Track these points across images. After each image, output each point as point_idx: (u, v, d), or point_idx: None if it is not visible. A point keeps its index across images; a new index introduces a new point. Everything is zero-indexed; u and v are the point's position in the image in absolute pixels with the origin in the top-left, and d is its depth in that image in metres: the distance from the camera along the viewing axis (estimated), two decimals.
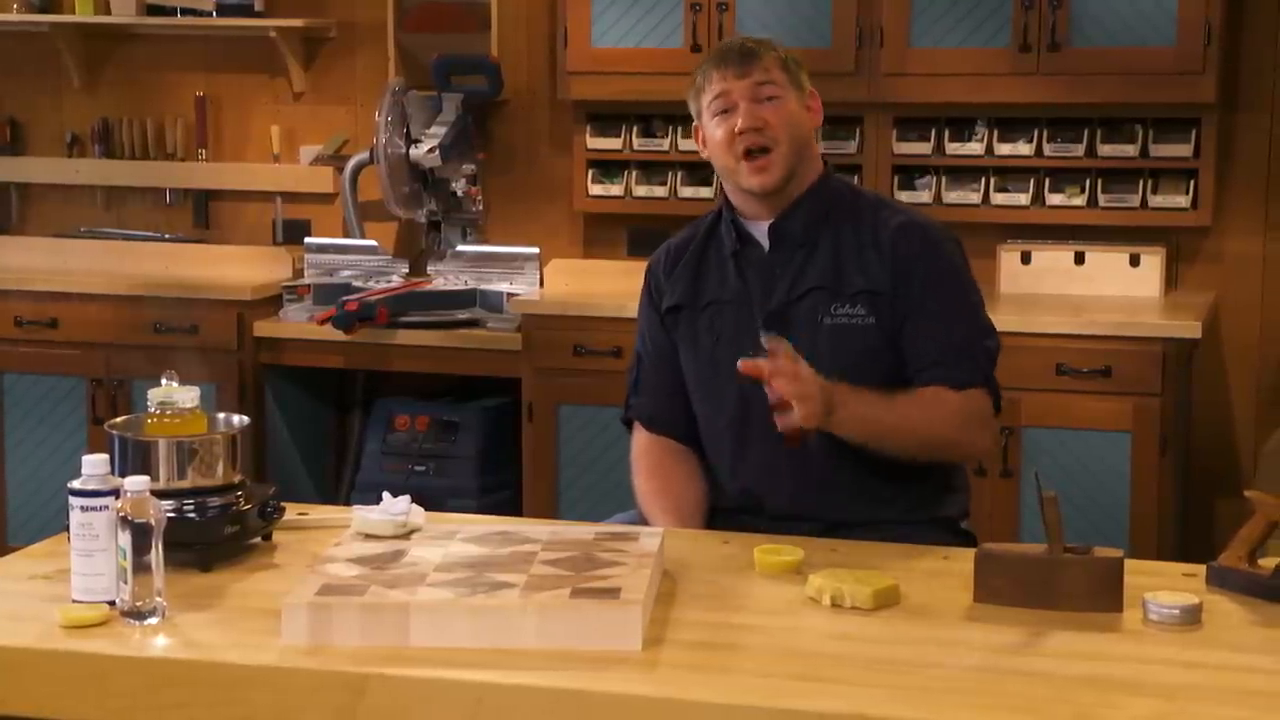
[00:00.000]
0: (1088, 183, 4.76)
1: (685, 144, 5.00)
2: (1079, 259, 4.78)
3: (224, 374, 4.94)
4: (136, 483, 2.28)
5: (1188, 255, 4.84)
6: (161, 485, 2.48)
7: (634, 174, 5.09)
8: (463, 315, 4.97)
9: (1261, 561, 2.43)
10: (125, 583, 2.26)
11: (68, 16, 5.55)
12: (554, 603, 2.19)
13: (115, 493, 2.31)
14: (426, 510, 2.67)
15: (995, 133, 4.81)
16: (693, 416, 3.00)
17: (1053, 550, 2.36)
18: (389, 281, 5.16)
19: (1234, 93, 4.77)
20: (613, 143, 5.08)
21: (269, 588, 2.42)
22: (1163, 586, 2.35)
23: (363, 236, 5.30)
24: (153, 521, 2.26)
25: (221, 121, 5.60)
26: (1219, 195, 4.74)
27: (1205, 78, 4.52)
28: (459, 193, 5.23)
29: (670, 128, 5.03)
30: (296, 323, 5.03)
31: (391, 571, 2.34)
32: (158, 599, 2.27)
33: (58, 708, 2.18)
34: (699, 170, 5.04)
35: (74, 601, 2.32)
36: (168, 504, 2.40)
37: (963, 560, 2.47)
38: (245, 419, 2.66)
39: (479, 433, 4.98)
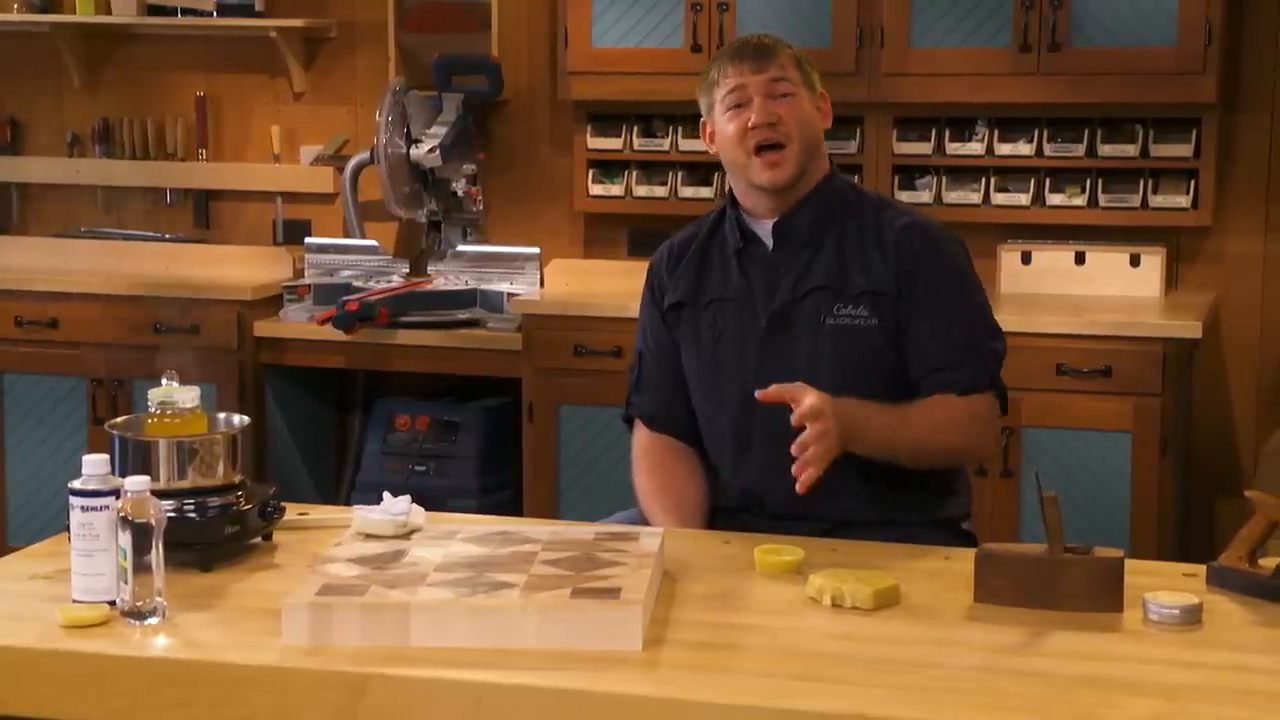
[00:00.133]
0: (1088, 183, 4.76)
1: (686, 144, 5.00)
2: (1079, 259, 4.78)
3: (224, 374, 4.94)
4: (137, 483, 2.28)
5: (1188, 255, 4.84)
6: (162, 485, 2.48)
7: (634, 174, 5.09)
8: (463, 315, 4.97)
9: (1262, 561, 2.43)
10: (126, 583, 2.26)
11: (68, 16, 5.55)
12: (554, 603, 2.19)
13: (116, 493, 2.31)
14: (427, 510, 2.67)
15: (996, 133, 4.81)
16: (694, 415, 3.00)
17: (1053, 550, 2.36)
18: (389, 281, 5.16)
19: (1234, 93, 4.77)
20: (613, 143, 5.08)
21: (269, 588, 2.42)
22: (1163, 586, 2.35)
23: (363, 236, 5.30)
24: (153, 521, 2.26)
25: (222, 121, 5.60)
26: (1219, 195, 4.74)
27: (1206, 78, 4.52)
28: (459, 193, 5.23)
29: (670, 128, 5.03)
30: (297, 323, 5.03)
31: (392, 571, 2.34)
32: (158, 599, 2.27)
33: (58, 708, 2.18)
34: (699, 170, 5.04)
35: (74, 601, 2.32)
36: (168, 504, 2.40)
37: (963, 560, 2.47)
38: (245, 419, 2.66)
39: (479, 433, 4.98)
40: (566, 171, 5.19)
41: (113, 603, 2.29)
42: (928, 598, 2.39)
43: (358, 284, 5.11)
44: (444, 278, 5.15)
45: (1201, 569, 2.47)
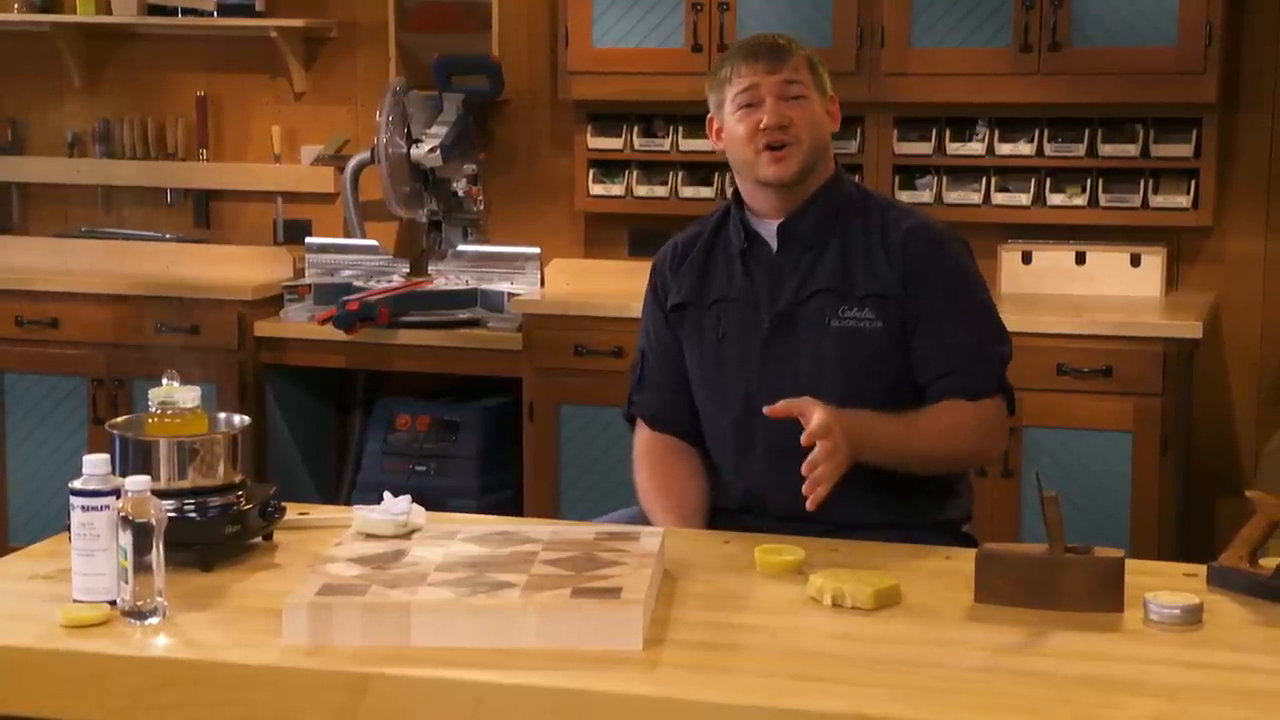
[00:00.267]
0: (1089, 183, 4.76)
1: (686, 144, 5.00)
2: (1080, 259, 4.78)
3: (225, 374, 4.94)
4: (137, 482, 2.28)
5: (1189, 255, 4.84)
6: (162, 485, 2.48)
7: (635, 174, 5.09)
8: (464, 315, 4.97)
9: (1262, 561, 2.43)
10: (126, 582, 2.26)
11: (68, 16, 5.55)
12: (555, 602, 2.19)
13: (116, 492, 2.31)
14: (427, 510, 2.67)
15: (996, 133, 4.81)
16: (696, 414, 3.00)
17: (1054, 550, 2.36)
18: (390, 281, 5.16)
19: (1235, 93, 4.77)
20: (614, 142, 5.08)
21: (270, 587, 2.42)
22: (1163, 586, 2.35)
23: (364, 236, 5.30)
24: (154, 521, 2.26)
25: (222, 121, 5.60)
26: (1220, 195, 4.73)
27: (1206, 78, 4.52)
28: (460, 192, 5.23)
29: (671, 128, 5.03)
30: (297, 322, 5.03)
31: (392, 571, 2.34)
32: (158, 599, 2.27)
33: (58, 708, 2.18)
34: (700, 170, 5.04)
35: (75, 601, 2.32)
36: (168, 504, 2.40)
37: (963, 560, 2.47)
38: (246, 419, 2.66)
39: (480, 432, 4.98)
40: (567, 171, 5.19)
41: (113, 602, 2.29)
42: (928, 598, 2.39)
43: (358, 284, 5.11)
44: (444, 278, 5.15)
45: (1202, 569, 2.47)
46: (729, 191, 4.88)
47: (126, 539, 2.25)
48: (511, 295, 4.91)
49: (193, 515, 2.52)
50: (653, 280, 3.07)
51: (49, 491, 5.04)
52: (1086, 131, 4.74)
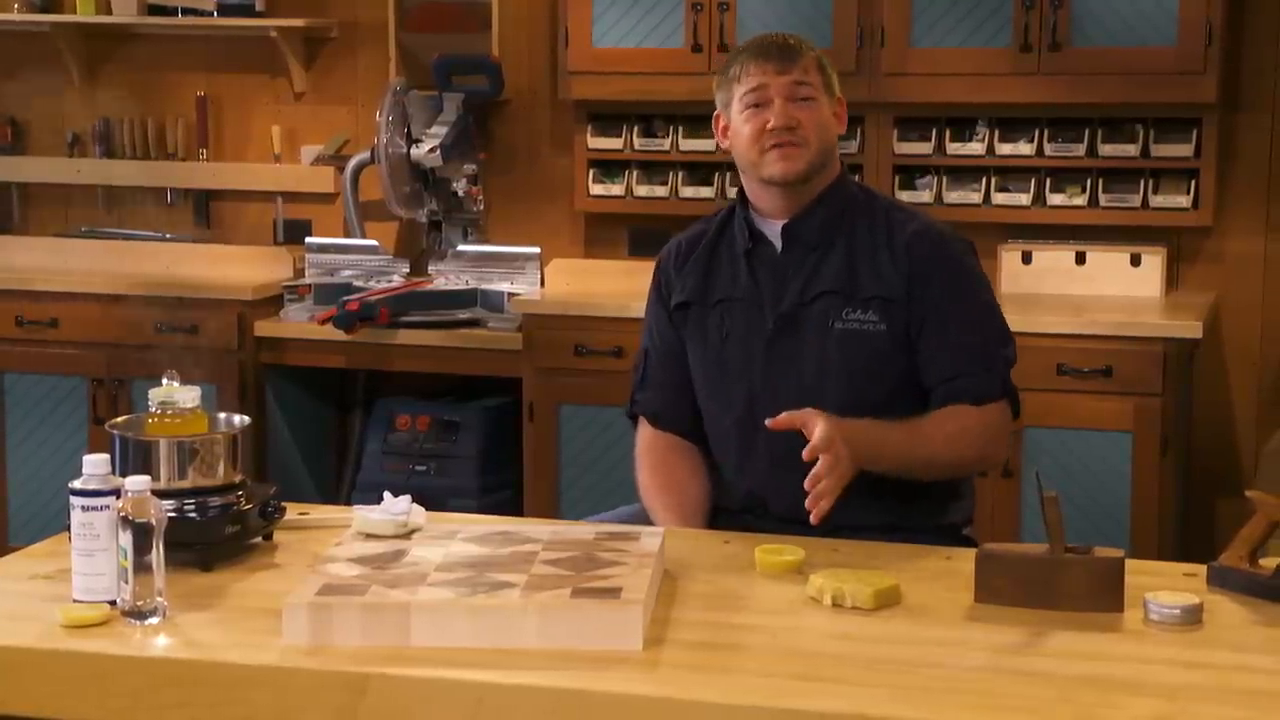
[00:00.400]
0: (1089, 183, 4.76)
1: (686, 144, 5.00)
2: (1080, 259, 4.78)
3: (225, 374, 4.94)
4: (137, 482, 2.28)
5: (1189, 255, 4.84)
6: (162, 485, 2.48)
7: (635, 174, 5.09)
8: (464, 315, 4.97)
9: (1262, 561, 2.43)
10: (126, 582, 2.26)
11: (69, 16, 5.55)
12: (555, 603, 2.19)
13: (116, 492, 2.31)
14: (427, 510, 2.67)
15: (996, 132, 4.81)
16: (699, 414, 3.00)
17: (1054, 550, 2.36)
18: (390, 281, 5.16)
19: (1235, 93, 4.77)
20: (614, 142, 5.08)
21: (270, 587, 2.42)
22: (1163, 586, 2.35)
23: (364, 236, 5.30)
24: (154, 521, 2.26)
25: (222, 121, 5.60)
26: (1220, 195, 4.74)
27: (1206, 78, 4.52)
28: (460, 192, 5.23)
29: (671, 128, 5.03)
30: (297, 322, 5.03)
31: (392, 571, 2.34)
32: (158, 599, 2.27)
33: (58, 708, 2.18)
34: (700, 170, 5.04)
35: (75, 601, 2.32)
36: (168, 504, 2.40)
37: (964, 560, 2.47)
38: (246, 419, 2.66)
39: (480, 432, 4.98)
40: (567, 171, 5.19)
41: (113, 602, 2.29)
42: (928, 598, 2.39)
43: (358, 284, 5.11)
44: (444, 277, 5.15)
45: (1202, 569, 2.47)
46: (729, 191, 4.92)
47: (126, 539, 2.25)
48: (511, 295, 4.91)
49: (193, 515, 2.52)
50: (656, 278, 3.06)
51: (49, 491, 5.04)
52: (1086, 131, 4.74)
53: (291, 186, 5.54)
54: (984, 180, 4.83)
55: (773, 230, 2.94)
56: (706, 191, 5.00)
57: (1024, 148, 4.79)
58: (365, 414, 5.28)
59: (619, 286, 4.83)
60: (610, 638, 2.16)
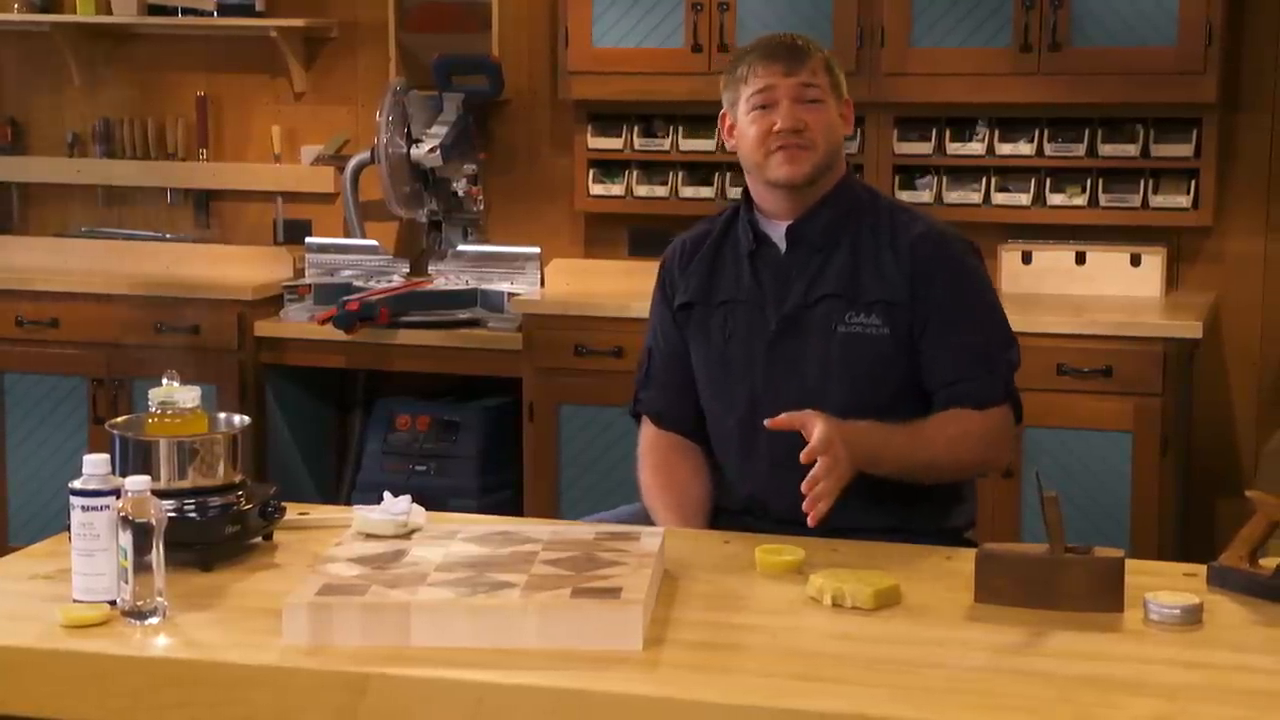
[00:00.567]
0: (1089, 183, 4.76)
1: (686, 144, 5.00)
2: (1080, 259, 4.78)
3: (225, 374, 4.94)
4: (137, 482, 2.28)
5: (1189, 255, 4.84)
6: (162, 485, 2.48)
7: (635, 174, 5.09)
8: (464, 315, 4.97)
9: (1262, 561, 2.43)
10: (126, 582, 2.26)
11: (69, 16, 5.55)
12: (555, 603, 2.19)
13: (116, 492, 2.31)
14: (427, 510, 2.67)
15: (996, 132, 4.81)
16: (701, 414, 3.00)
17: (1054, 550, 2.36)
18: (390, 281, 5.16)
19: (1235, 93, 4.77)
20: (614, 142, 5.08)
21: (270, 587, 2.42)
22: (1163, 586, 2.35)
23: (364, 236, 5.30)
24: (154, 521, 2.26)
25: (222, 121, 5.60)
26: (1220, 195, 4.74)
27: (1206, 78, 4.52)
28: (460, 192, 5.23)
29: (671, 128, 5.03)
30: (297, 322, 5.03)
31: (392, 571, 2.34)
32: (158, 599, 2.27)
33: (58, 708, 2.18)
34: (700, 170, 5.04)
35: (75, 601, 2.32)
36: (168, 504, 2.40)
37: (964, 560, 2.47)
38: (246, 419, 2.66)
39: (480, 432, 4.98)
40: (567, 171, 5.19)
41: (113, 602, 2.29)
42: (928, 598, 2.39)
43: (358, 284, 5.11)
44: (444, 277, 5.15)
45: (1202, 569, 2.47)
46: (729, 191, 4.92)
47: (126, 539, 2.25)
48: (511, 295, 4.91)
49: (193, 515, 2.52)
50: (660, 278, 3.06)
51: (49, 491, 5.04)
52: (1086, 131, 4.74)
53: (291, 186, 5.54)
54: (984, 180, 4.83)
55: (777, 231, 2.94)
56: (706, 191, 5.00)
57: (1024, 148, 4.79)
58: (365, 414, 5.28)
59: (619, 286, 4.83)
60: (610, 638, 2.16)
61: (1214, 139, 4.65)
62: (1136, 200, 4.72)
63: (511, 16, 5.28)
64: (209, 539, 2.52)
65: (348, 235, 5.34)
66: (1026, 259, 4.81)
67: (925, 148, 4.84)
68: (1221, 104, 4.64)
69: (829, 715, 1.98)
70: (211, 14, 5.42)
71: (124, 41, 5.64)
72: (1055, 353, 4.34)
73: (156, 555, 2.26)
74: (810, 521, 2.60)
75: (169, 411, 2.57)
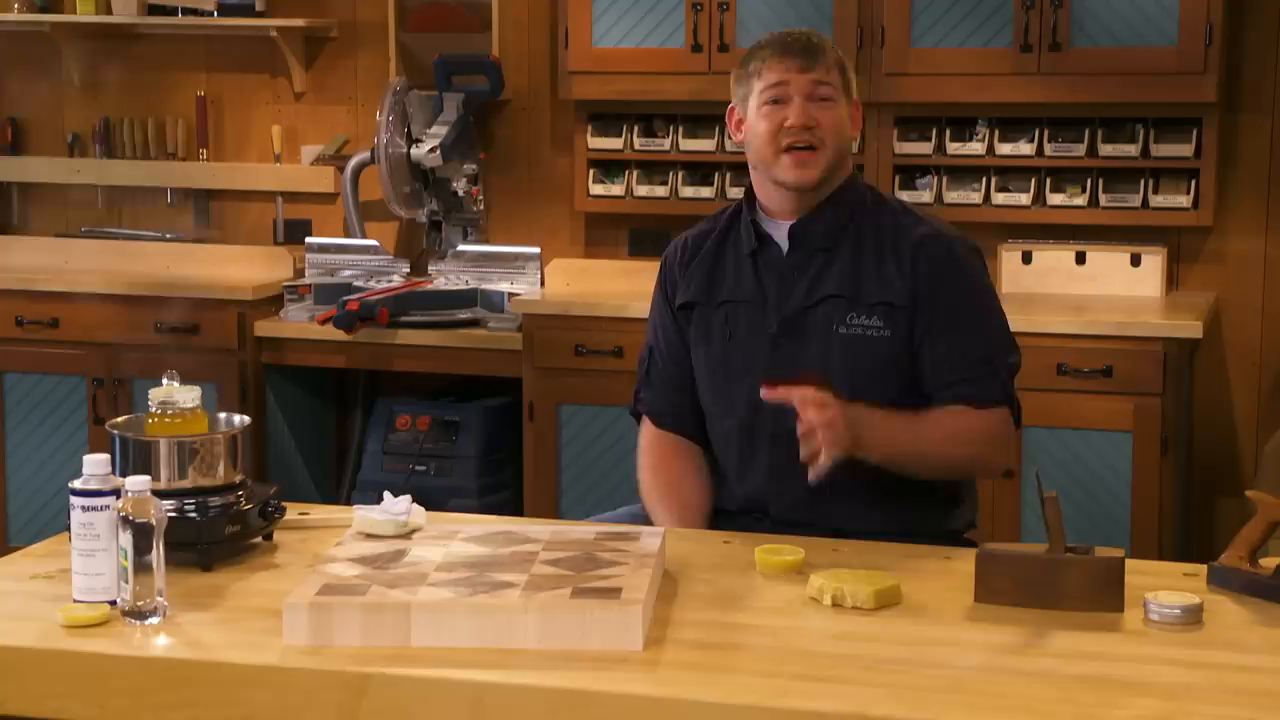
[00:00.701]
0: (1089, 182, 4.76)
1: (686, 144, 5.00)
2: (1080, 259, 4.78)
3: (225, 374, 4.94)
4: (137, 482, 2.28)
5: (1189, 255, 4.84)
6: (162, 485, 2.49)
7: (635, 174, 5.09)
8: (464, 315, 4.97)
9: (1263, 561, 2.43)
10: (126, 582, 2.26)
11: (69, 16, 5.55)
12: (555, 602, 2.19)
13: (116, 492, 2.31)
14: (427, 510, 2.67)
15: (996, 132, 4.81)
16: (701, 414, 2.99)
17: (1054, 550, 2.36)
18: (390, 281, 5.16)
19: (1235, 93, 4.77)
20: (614, 142, 5.08)
21: (270, 587, 2.42)
22: (1164, 586, 2.36)
23: (364, 236, 5.30)
24: (154, 521, 2.26)
25: (222, 121, 5.60)
26: (1220, 195, 4.73)
27: (1206, 78, 4.52)
28: (460, 192, 5.23)
29: (671, 128, 5.03)
30: (297, 322, 5.03)
31: (392, 571, 2.34)
32: (159, 599, 2.27)
33: (58, 708, 2.18)
34: (700, 170, 5.04)
35: (75, 601, 2.32)
36: (169, 503, 2.40)
37: (964, 560, 2.47)
38: (246, 419, 2.66)
39: (480, 432, 4.97)
40: (567, 171, 5.19)
41: (113, 602, 2.29)
42: (928, 598, 2.39)
43: (358, 284, 5.11)
44: (444, 277, 5.15)
45: (1202, 569, 2.47)
46: (729, 191, 4.92)
47: (126, 539, 2.25)
48: (511, 295, 4.90)
49: (193, 515, 2.52)
50: (661, 277, 3.05)
51: (49, 491, 5.05)
52: (1086, 131, 4.74)
53: (291, 186, 5.54)
54: (984, 180, 4.83)
55: (779, 231, 2.93)
56: (706, 191, 5.00)
57: (1024, 148, 4.79)
58: (365, 414, 5.28)
59: (619, 286, 4.83)
60: (610, 638, 2.16)
61: (1214, 139, 4.65)
62: (1136, 200, 4.72)
63: (512, 16, 5.28)
64: (209, 539, 2.52)
65: (348, 235, 5.34)
66: (1026, 259, 4.81)
67: (925, 148, 4.85)
68: (1221, 104, 4.64)
69: (829, 715, 1.98)
70: (211, 14, 5.42)
71: (124, 41, 5.64)
72: (1055, 353, 4.34)
73: (156, 555, 2.26)
74: (811, 475, 2.59)
75: (169, 411, 2.57)
